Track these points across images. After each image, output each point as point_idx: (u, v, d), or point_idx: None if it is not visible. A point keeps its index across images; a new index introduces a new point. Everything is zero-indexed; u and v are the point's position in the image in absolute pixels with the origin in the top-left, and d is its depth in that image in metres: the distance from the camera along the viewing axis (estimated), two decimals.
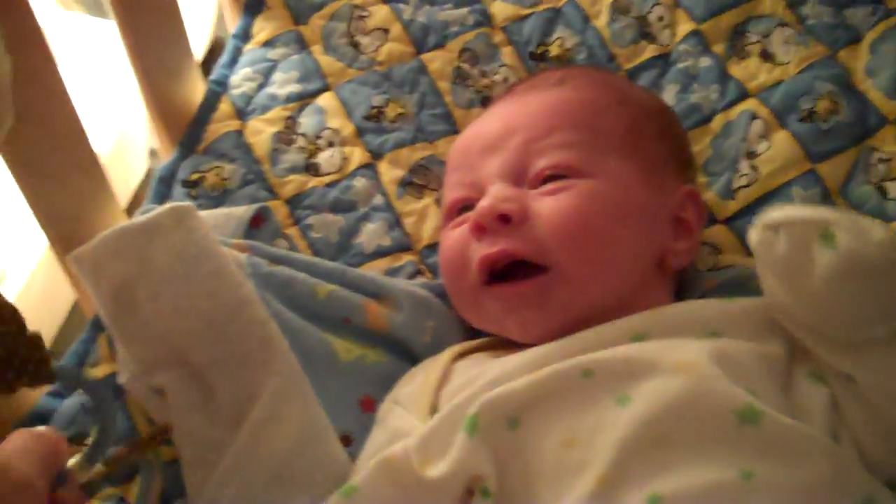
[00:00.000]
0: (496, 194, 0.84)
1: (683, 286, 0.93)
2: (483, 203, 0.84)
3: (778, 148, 1.01)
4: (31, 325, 0.65)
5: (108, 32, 1.26)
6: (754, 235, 0.75)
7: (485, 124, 0.94)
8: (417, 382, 0.85)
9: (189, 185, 1.02)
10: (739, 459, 0.68)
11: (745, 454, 0.68)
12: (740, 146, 1.03)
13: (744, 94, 1.06)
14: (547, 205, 0.83)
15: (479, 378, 0.78)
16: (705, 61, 1.09)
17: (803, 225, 0.71)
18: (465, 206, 0.90)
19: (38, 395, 0.88)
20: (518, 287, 0.83)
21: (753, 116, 1.04)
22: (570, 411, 0.73)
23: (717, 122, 1.06)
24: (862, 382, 0.74)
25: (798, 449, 0.69)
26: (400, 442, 0.74)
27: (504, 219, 0.83)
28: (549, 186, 0.84)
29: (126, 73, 1.00)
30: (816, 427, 0.73)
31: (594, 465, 0.69)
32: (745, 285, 0.90)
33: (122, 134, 1.23)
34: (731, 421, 0.70)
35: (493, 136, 0.90)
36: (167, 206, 0.82)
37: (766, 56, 1.08)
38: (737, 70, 1.08)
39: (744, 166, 1.01)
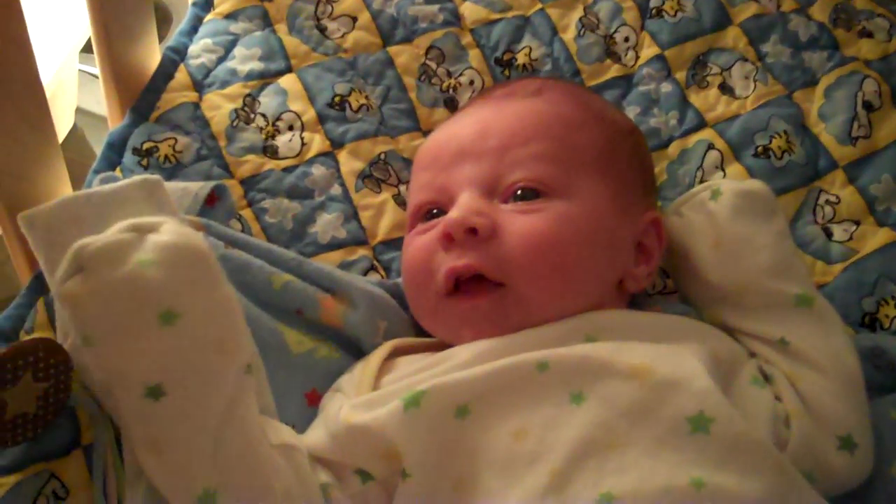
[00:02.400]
0: (468, 205, 0.83)
1: (632, 306, 0.93)
2: (453, 214, 0.83)
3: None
4: None
5: None
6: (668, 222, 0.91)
7: (459, 126, 0.92)
8: (357, 370, 0.84)
9: (141, 153, 0.97)
10: (691, 467, 0.69)
11: (697, 462, 0.70)
12: (695, 174, 1.04)
13: (701, 124, 1.08)
14: (517, 225, 0.82)
15: (427, 368, 0.79)
16: (666, 87, 1.11)
17: (692, 195, 0.92)
18: (431, 209, 0.88)
19: None
20: (475, 300, 0.82)
21: (710, 147, 1.05)
22: (523, 403, 0.74)
23: (674, 148, 1.07)
24: (795, 343, 0.83)
25: (748, 459, 0.71)
26: None
27: (472, 232, 0.82)
28: (522, 205, 0.83)
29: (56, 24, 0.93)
30: (762, 433, 0.75)
31: (547, 458, 0.71)
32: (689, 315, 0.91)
33: (51, 92, 1.16)
34: (683, 428, 0.71)
35: (468, 140, 0.88)
36: (138, 177, 0.77)
37: (726, 89, 1.10)
38: (696, 99, 1.10)
39: None
